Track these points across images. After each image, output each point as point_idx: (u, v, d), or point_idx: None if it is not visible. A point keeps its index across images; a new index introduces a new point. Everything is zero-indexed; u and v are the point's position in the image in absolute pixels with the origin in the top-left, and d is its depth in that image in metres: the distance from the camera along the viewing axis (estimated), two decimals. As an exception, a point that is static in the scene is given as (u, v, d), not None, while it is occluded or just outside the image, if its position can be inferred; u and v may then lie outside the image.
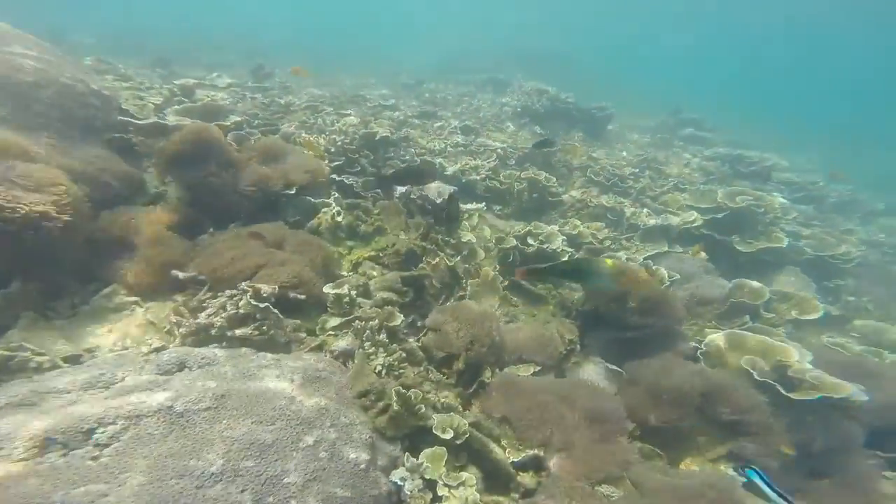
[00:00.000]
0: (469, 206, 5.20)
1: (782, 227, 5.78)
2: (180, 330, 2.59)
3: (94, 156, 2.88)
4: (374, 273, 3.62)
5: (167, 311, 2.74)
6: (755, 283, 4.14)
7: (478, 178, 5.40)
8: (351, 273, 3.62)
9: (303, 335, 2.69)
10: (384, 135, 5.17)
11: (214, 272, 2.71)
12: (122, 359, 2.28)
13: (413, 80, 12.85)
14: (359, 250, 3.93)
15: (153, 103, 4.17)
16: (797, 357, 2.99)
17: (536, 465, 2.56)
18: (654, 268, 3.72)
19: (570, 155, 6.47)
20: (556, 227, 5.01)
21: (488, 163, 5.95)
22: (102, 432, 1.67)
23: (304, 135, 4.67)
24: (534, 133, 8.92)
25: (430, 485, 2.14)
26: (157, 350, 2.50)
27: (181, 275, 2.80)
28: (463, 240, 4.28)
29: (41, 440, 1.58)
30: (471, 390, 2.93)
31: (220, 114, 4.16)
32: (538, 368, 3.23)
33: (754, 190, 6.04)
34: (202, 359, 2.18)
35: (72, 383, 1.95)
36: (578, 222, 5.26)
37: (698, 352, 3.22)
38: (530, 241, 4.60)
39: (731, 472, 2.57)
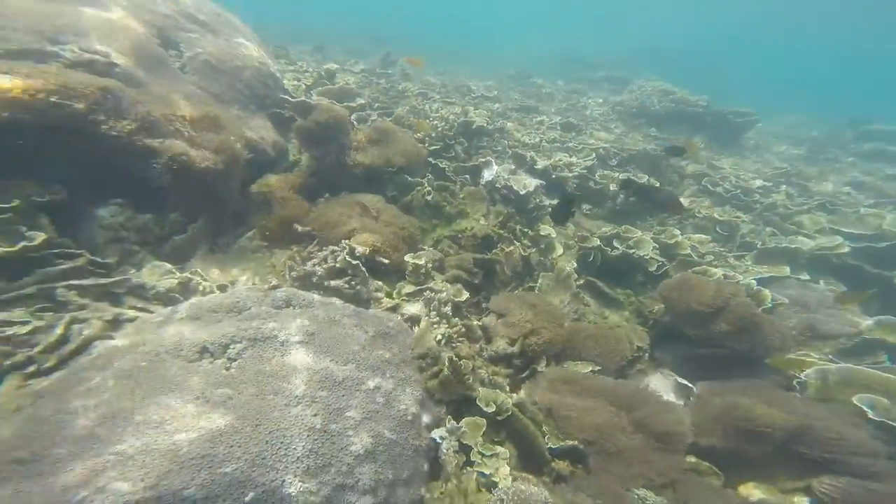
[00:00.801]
0: (554, 202, 5.16)
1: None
2: (291, 273, 3.23)
3: (260, 126, 3.72)
4: (451, 252, 3.92)
5: (284, 258, 3.43)
6: None
7: (569, 175, 5.30)
8: (431, 248, 3.98)
9: (381, 295, 3.12)
10: (480, 124, 5.41)
11: (322, 230, 3.30)
12: (251, 291, 2.82)
13: (520, 75, 12.80)
14: (441, 229, 4.28)
15: (305, 84, 5.09)
16: None
17: (575, 457, 2.58)
18: (756, 289, 3.26)
19: (687, 151, 5.88)
20: (649, 234, 4.68)
21: (584, 161, 5.77)
22: (233, 348, 2.13)
23: (413, 119, 5.18)
24: (647, 135, 8.22)
25: (466, 450, 2.31)
26: (274, 288, 3.14)
27: (300, 228, 3.47)
28: (542, 233, 4.32)
29: (201, 347, 2.08)
30: (523, 375, 3.05)
31: (350, 96, 4.90)
32: (598, 368, 3.17)
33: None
34: (303, 300, 2.64)
35: (220, 306, 2.48)
36: (678, 232, 4.81)
37: (794, 381, 2.78)
38: (616, 243, 4.41)
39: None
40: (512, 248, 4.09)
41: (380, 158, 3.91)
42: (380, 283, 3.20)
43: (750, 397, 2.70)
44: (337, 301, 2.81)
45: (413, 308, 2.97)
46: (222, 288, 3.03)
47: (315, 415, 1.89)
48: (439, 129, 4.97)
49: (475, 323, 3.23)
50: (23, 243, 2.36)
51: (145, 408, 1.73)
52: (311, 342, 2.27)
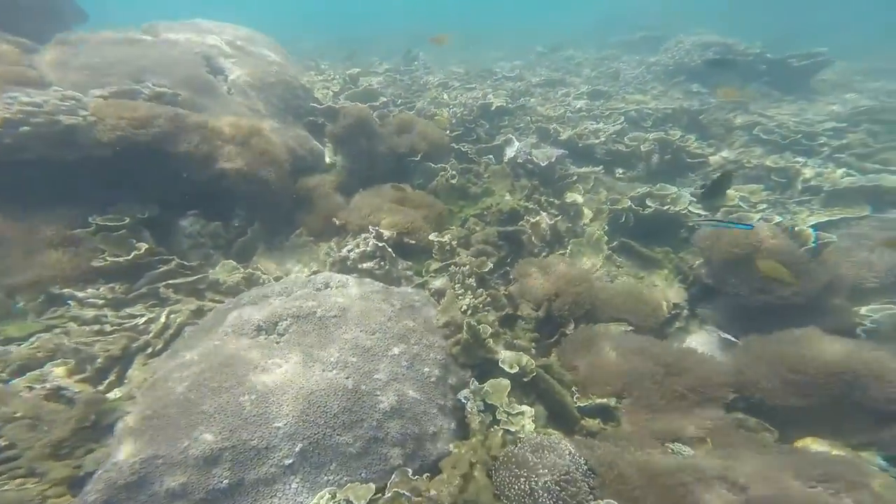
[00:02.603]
0: (582, 169, 5.03)
1: None
2: (329, 260, 3.56)
3: (297, 135, 4.14)
4: (477, 228, 4.02)
5: (325, 248, 3.79)
6: None
7: (596, 141, 5.12)
8: (458, 227, 4.11)
9: (410, 273, 3.31)
10: (499, 105, 5.43)
11: (356, 220, 3.58)
12: (297, 278, 3.25)
13: (548, 49, 12.36)
14: (468, 208, 4.39)
15: (333, 91, 5.51)
16: None
17: (606, 416, 2.56)
18: (796, 229, 2.93)
19: (724, 97, 5.40)
20: (688, 189, 4.37)
21: (613, 126, 5.52)
22: (282, 325, 2.46)
23: (433, 110, 5.36)
24: (689, 92, 7.59)
25: (493, 409, 2.39)
26: (314, 273, 3.50)
27: (337, 221, 3.80)
28: (567, 200, 4.25)
29: (257, 326, 2.45)
30: (552, 340, 3.06)
31: (373, 96, 5.21)
32: (630, 329, 3.09)
33: None
34: (338, 282, 2.94)
35: (272, 292, 2.88)
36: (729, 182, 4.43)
37: (859, 329, 2.48)
38: (649, 202, 4.19)
39: (878, 460, 2.02)
40: (538, 218, 4.09)
41: (404, 146, 4.13)
42: (409, 262, 3.39)
43: (801, 347, 2.47)
44: (369, 280, 3.07)
45: (438, 282, 3.12)
46: (278, 279, 3.46)
47: (347, 377, 2.14)
48: (458, 115, 5.08)
49: (501, 292, 3.30)
50: (134, 253, 3.01)
51: (219, 376, 2.09)
52: (343, 316, 2.53)
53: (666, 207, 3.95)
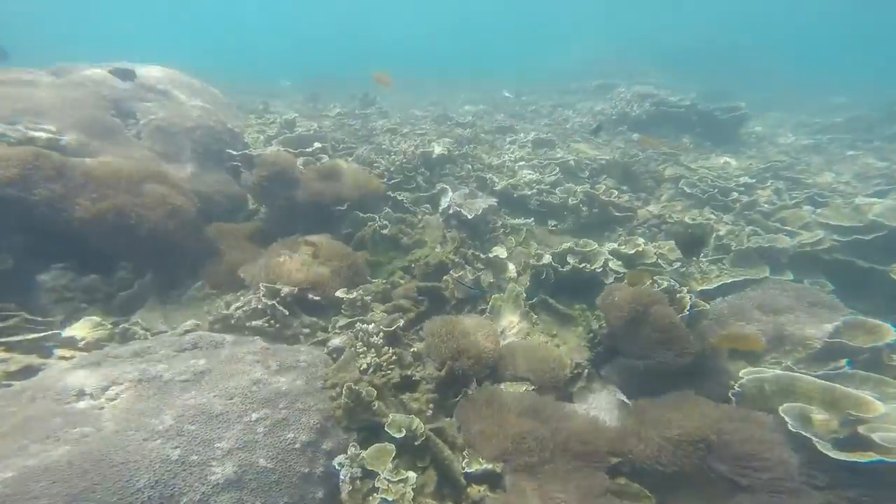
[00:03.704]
0: (516, 221, 5.22)
1: None
2: (209, 318, 3.33)
3: (215, 180, 4.17)
4: (402, 282, 4.07)
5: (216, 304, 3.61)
6: (875, 322, 3.03)
7: (529, 192, 5.36)
8: (383, 280, 4.15)
9: (306, 330, 3.26)
10: (441, 153, 5.65)
11: (262, 274, 3.53)
12: (164, 337, 2.96)
13: (513, 94, 13.07)
14: (398, 260, 4.46)
15: (269, 134, 5.61)
16: (882, 412, 2.15)
17: (494, 481, 2.56)
18: (678, 295, 3.11)
19: (646, 146, 5.80)
20: (610, 245, 4.59)
21: (548, 176, 5.81)
22: (113, 390, 2.26)
23: (373, 157, 5.52)
24: (629, 141, 8.12)
25: (374, 476, 2.30)
26: (185, 332, 3.13)
27: (242, 275, 3.71)
28: (491, 255, 4.38)
29: (79, 391, 2.21)
30: (456, 400, 3.07)
31: (306, 141, 5.33)
32: (532, 388, 3.14)
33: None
34: (211, 341, 2.79)
35: (125, 352, 2.63)
36: (642, 240, 4.69)
37: (730, 392, 2.61)
38: (570, 259, 4.37)
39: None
40: (461, 272, 4.19)
41: (327, 196, 4.20)
42: (314, 319, 3.38)
43: (680, 411, 2.57)
44: (249, 339, 2.95)
45: (338, 340, 3.12)
46: (158, 334, 3.14)
47: (175, 447, 1.99)
48: (397, 162, 5.26)
49: (411, 350, 3.31)
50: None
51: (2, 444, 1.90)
52: (198, 380, 2.42)
53: (582, 266, 4.13)
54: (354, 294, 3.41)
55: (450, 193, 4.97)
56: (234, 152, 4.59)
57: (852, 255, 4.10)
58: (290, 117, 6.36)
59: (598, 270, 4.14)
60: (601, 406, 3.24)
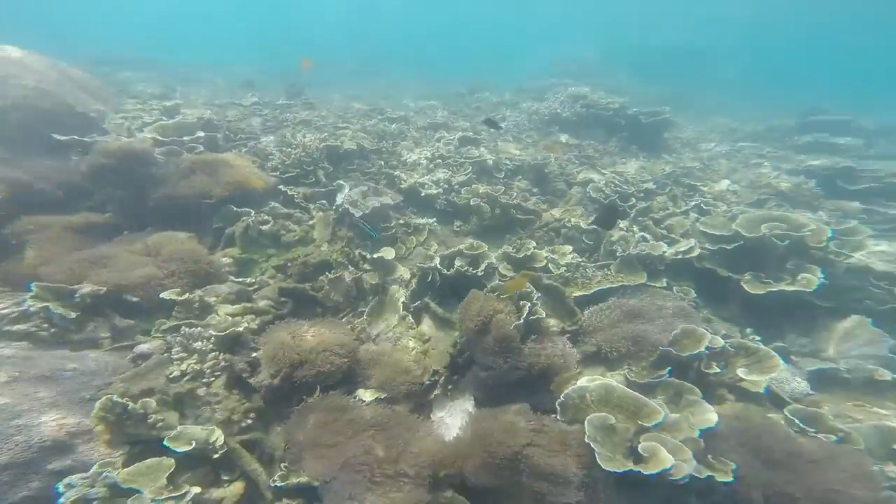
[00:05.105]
0: (419, 220, 5.11)
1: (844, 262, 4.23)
2: None
3: (43, 166, 3.71)
4: (270, 282, 3.86)
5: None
6: (700, 331, 3.16)
7: (434, 192, 5.26)
8: (252, 279, 3.92)
9: (105, 335, 2.99)
10: (350, 147, 5.42)
11: (51, 274, 3.14)
12: None
13: (467, 90, 12.94)
14: (277, 258, 4.23)
15: (145, 121, 5.15)
16: (658, 420, 2.24)
17: (311, 494, 2.46)
18: (521, 303, 3.12)
19: (550, 151, 5.84)
20: (505, 248, 4.58)
21: (460, 176, 5.73)
22: None
23: (270, 149, 5.21)
24: (557, 142, 8.19)
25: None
26: None
27: (45, 273, 3.27)
28: (376, 256, 4.25)
29: None
30: (296, 408, 2.92)
31: (187, 130, 4.93)
32: (383, 396, 3.06)
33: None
34: None
35: None
36: (533, 244, 4.71)
37: (556, 402, 2.63)
38: (458, 261, 4.31)
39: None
40: (340, 273, 4.03)
41: (193, 189, 3.90)
42: (130, 321, 3.11)
43: (500, 424, 2.55)
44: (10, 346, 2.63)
45: (147, 346, 2.88)
46: None
47: None
48: (293, 156, 4.98)
49: (249, 357, 3.10)
50: None
51: None
52: None
53: (465, 269, 4.08)
54: (188, 296, 3.17)
55: (346, 190, 4.78)
56: (62, 137, 4.14)
57: (716, 263, 4.28)
58: (170, 104, 5.89)
59: (481, 274, 4.11)
60: (456, 414, 3.21)
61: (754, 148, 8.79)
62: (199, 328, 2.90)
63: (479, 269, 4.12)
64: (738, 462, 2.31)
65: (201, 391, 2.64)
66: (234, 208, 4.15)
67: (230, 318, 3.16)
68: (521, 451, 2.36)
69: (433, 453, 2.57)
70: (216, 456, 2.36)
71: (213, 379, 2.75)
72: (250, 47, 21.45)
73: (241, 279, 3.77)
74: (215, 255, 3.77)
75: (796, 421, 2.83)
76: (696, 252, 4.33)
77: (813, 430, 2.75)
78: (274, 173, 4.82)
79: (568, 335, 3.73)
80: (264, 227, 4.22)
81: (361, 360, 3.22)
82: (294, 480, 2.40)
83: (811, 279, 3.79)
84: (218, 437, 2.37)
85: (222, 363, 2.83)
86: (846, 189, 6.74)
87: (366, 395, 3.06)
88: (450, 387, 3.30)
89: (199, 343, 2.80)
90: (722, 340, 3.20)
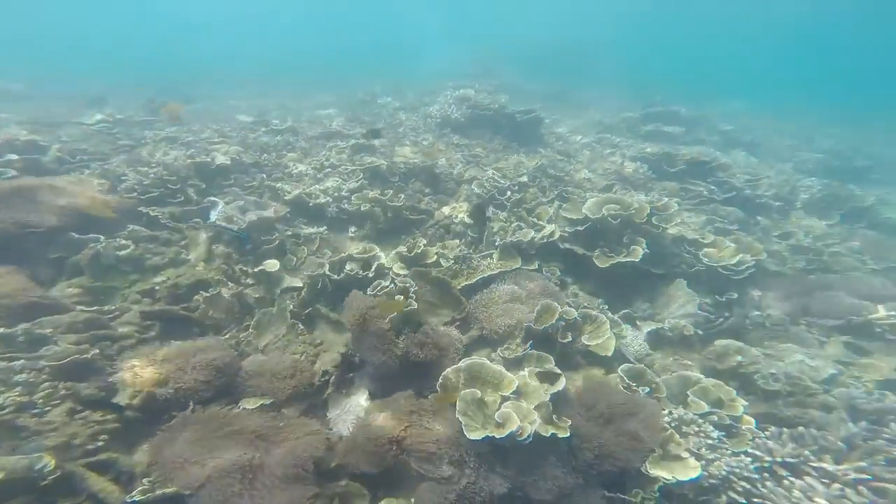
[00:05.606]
0: (308, 230, 5.08)
1: (669, 233, 5.30)
2: None
3: None
4: (133, 307, 3.54)
5: None
6: (554, 305, 3.76)
7: (323, 200, 5.27)
8: (112, 307, 3.54)
9: None
10: (223, 162, 5.14)
11: None
12: None
13: (369, 96, 12.87)
14: (141, 283, 3.87)
15: None
16: (513, 389, 2.67)
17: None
18: (398, 298, 3.43)
19: (429, 157, 6.33)
20: (398, 249, 4.80)
21: (351, 183, 5.81)
22: None
23: (122, 168, 4.69)
24: (450, 144, 8.72)
25: None
26: None
27: None
28: (258, 269, 4.15)
29: None
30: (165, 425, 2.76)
31: None
32: (268, 402, 3.05)
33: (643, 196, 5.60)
34: None
35: None
36: (423, 241, 5.02)
37: (437, 384, 2.93)
38: (349, 266, 4.42)
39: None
40: (219, 289, 3.86)
41: (8, 220, 3.39)
42: None
43: (382, 411, 2.76)
44: None
45: None
46: None
47: None
48: (151, 175, 4.57)
49: (105, 382, 2.85)
50: None
51: None
52: None
53: (355, 273, 4.20)
54: (3, 330, 2.81)
55: (220, 206, 4.55)
56: None
57: (576, 244, 5.06)
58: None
59: (372, 276, 4.27)
60: (350, 410, 3.32)
61: (609, 139, 10.37)
62: (23, 361, 2.59)
63: (370, 271, 4.28)
64: (574, 420, 2.65)
65: (25, 421, 2.39)
66: (76, 235, 3.68)
67: (73, 347, 2.85)
68: (398, 437, 2.59)
69: (315, 449, 2.66)
70: (45, 482, 2.16)
71: (48, 409, 2.49)
72: (108, 60, 18.74)
73: (95, 308, 3.38)
74: (57, 287, 3.32)
75: (626, 379, 3.38)
76: (557, 235, 5.05)
77: (635, 384, 3.31)
78: (130, 195, 4.37)
79: (457, 323, 4.11)
80: (122, 253, 3.83)
81: (246, 372, 3.16)
82: (158, 492, 2.30)
83: (637, 250, 4.70)
84: (46, 462, 2.18)
85: (62, 392, 2.57)
86: (668, 171, 8.39)
87: (249, 403, 3.02)
88: (343, 384, 3.40)
89: (23, 376, 2.51)
90: (574, 312, 3.80)
